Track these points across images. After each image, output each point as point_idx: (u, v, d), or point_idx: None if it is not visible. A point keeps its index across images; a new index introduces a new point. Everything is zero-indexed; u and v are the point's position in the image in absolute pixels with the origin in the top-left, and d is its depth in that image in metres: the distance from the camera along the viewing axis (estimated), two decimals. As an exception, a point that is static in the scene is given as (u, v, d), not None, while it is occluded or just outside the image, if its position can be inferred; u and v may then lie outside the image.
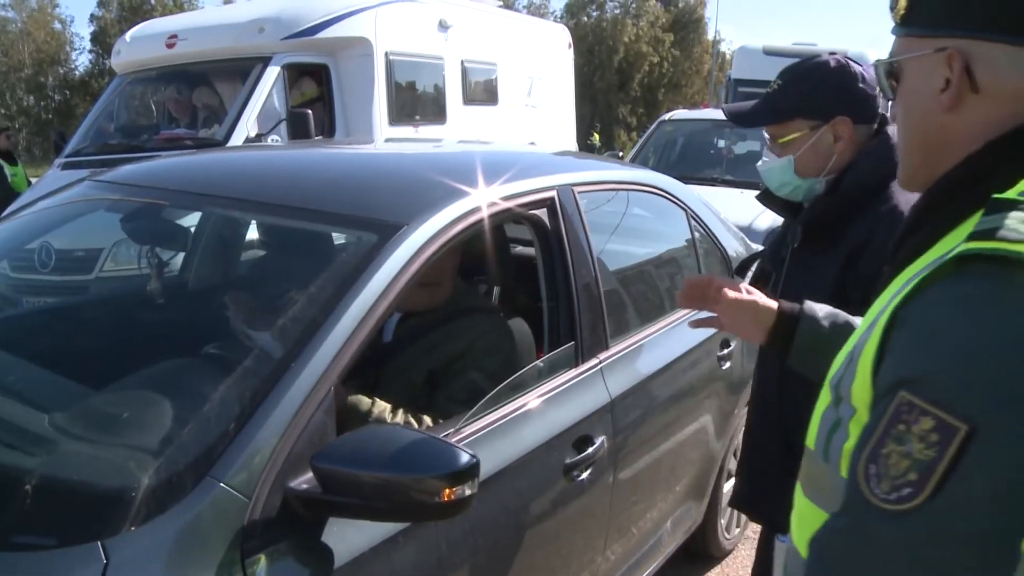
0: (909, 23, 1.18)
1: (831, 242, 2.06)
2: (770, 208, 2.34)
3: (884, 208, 2.01)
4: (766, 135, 2.22)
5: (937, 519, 0.87)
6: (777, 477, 2.15)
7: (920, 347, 0.95)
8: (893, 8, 1.20)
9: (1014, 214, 0.95)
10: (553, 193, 2.60)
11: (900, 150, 1.25)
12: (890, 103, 1.30)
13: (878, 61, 1.27)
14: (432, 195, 2.27)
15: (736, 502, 2.51)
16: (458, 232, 2.20)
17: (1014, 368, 0.88)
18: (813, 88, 2.09)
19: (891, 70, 1.22)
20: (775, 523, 2.21)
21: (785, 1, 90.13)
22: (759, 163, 2.27)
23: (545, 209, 2.56)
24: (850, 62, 2.13)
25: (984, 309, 0.92)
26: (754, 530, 4.26)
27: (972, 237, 0.96)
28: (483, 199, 2.32)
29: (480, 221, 2.29)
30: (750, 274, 2.52)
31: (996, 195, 1.00)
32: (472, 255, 2.78)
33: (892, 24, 1.22)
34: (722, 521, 3.83)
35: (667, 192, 3.49)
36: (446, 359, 2.49)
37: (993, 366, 0.89)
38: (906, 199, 1.95)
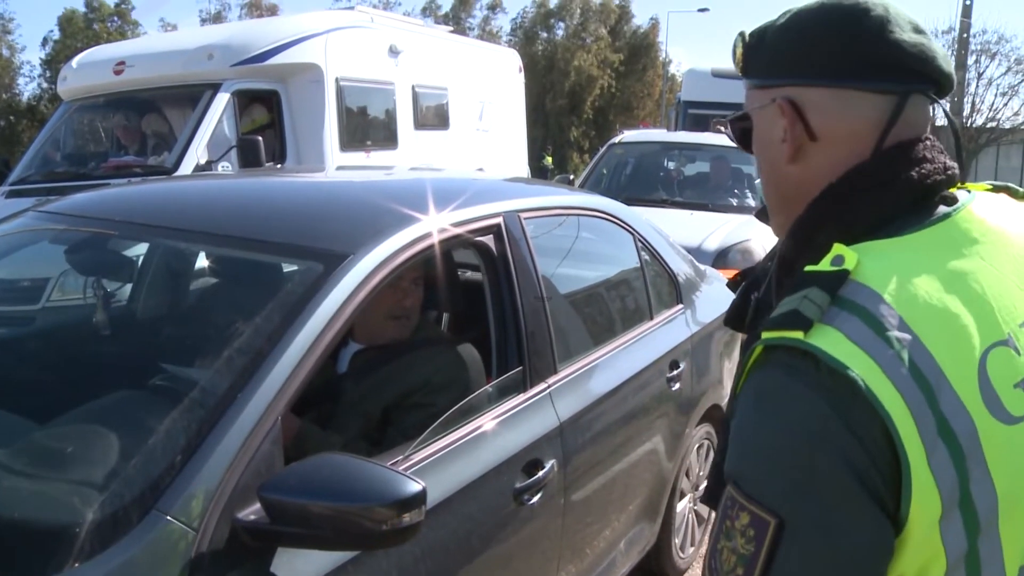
0: (748, 74, 1.18)
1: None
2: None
3: None
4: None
5: None
6: None
7: (735, 441, 0.99)
8: (733, 58, 1.20)
9: (813, 292, 0.96)
10: (499, 219, 2.63)
11: (765, 199, 1.25)
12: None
13: (728, 116, 1.26)
14: (378, 223, 2.29)
15: (705, 498, 2.60)
16: (405, 260, 2.22)
17: (801, 458, 0.91)
18: None
19: (743, 122, 1.21)
20: None
21: (733, 25, 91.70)
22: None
23: (492, 235, 2.59)
24: None
25: (773, 402, 0.95)
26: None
27: (768, 325, 0.98)
28: (430, 227, 2.35)
29: (427, 249, 2.32)
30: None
31: (808, 268, 1.01)
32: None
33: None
34: (676, 540, 3.86)
35: (614, 216, 3.54)
36: (402, 393, 2.51)
37: (785, 459, 0.92)
38: None
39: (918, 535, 0.92)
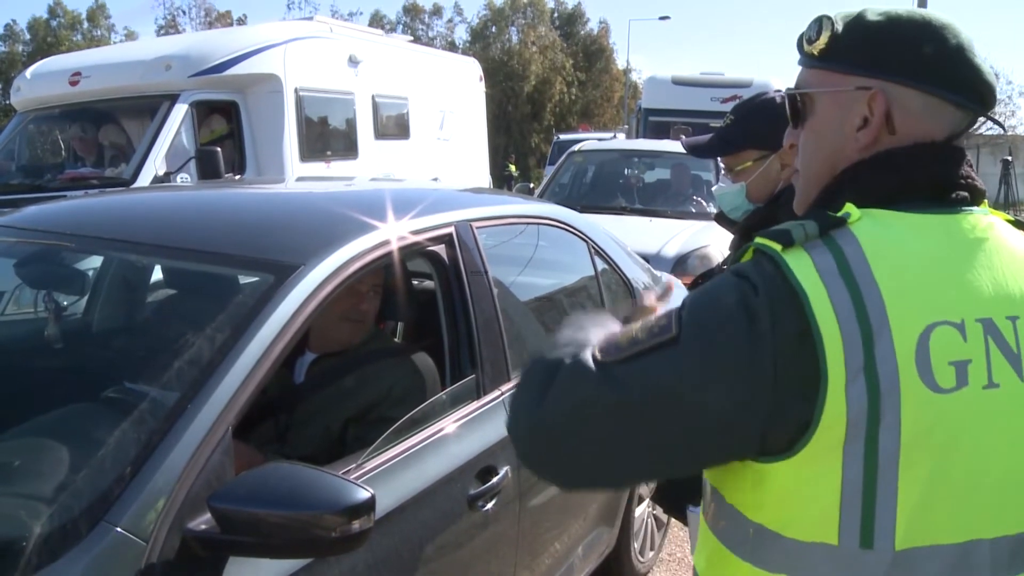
0: (829, 59, 1.24)
1: None
2: (725, 228, 2.55)
3: None
4: (721, 164, 2.45)
5: (609, 377, 1.13)
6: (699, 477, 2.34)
7: (706, 284, 1.20)
8: (811, 42, 1.26)
9: (809, 223, 1.14)
10: (451, 229, 2.66)
11: (800, 176, 1.33)
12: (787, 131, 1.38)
13: (788, 89, 1.34)
14: (329, 234, 2.31)
15: (656, 497, 2.69)
16: (356, 270, 2.24)
17: (720, 314, 1.11)
18: (761, 122, 2.28)
19: (801, 100, 1.29)
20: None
21: (694, 33, 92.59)
22: (715, 187, 2.51)
23: (444, 244, 2.62)
24: None
25: (733, 278, 1.14)
26: (668, 552, 4.36)
27: (762, 233, 1.18)
28: (381, 237, 2.38)
29: (378, 259, 2.34)
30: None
31: (818, 209, 1.20)
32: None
33: (801, 56, 1.29)
34: (635, 545, 3.90)
35: (567, 224, 3.58)
36: (363, 406, 2.52)
37: (714, 310, 1.13)
38: None
39: (818, 451, 1.07)
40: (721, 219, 2.55)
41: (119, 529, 1.60)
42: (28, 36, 43.25)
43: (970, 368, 1.09)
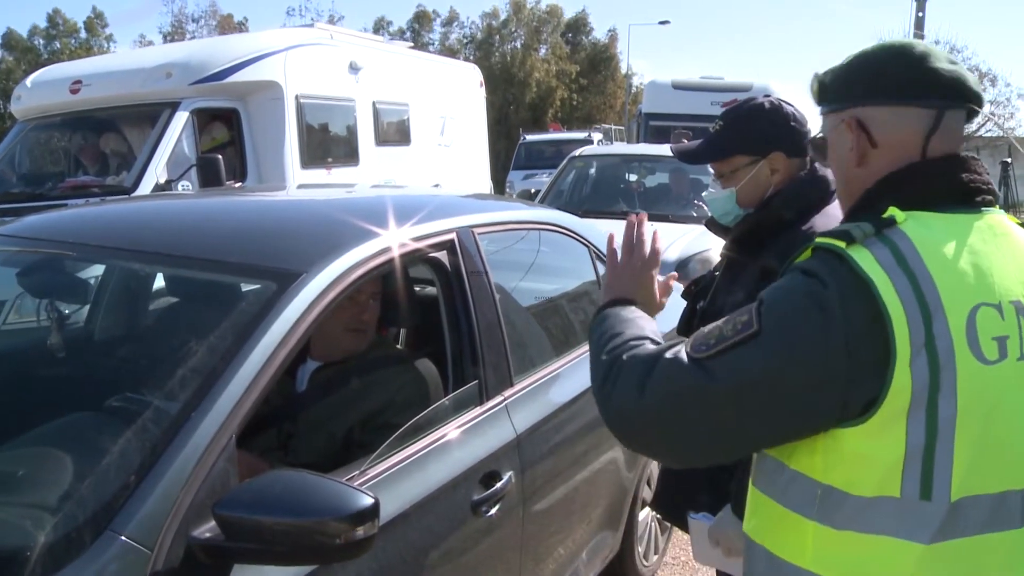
0: (823, 102, 1.52)
1: (753, 255, 2.28)
2: (716, 234, 2.56)
3: (804, 228, 2.22)
4: (711, 170, 2.44)
5: (704, 371, 1.30)
6: (696, 483, 2.33)
7: (769, 288, 1.37)
8: (812, 91, 1.54)
9: (864, 224, 1.32)
10: (453, 235, 2.67)
11: (838, 197, 1.58)
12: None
13: (812, 138, 1.65)
14: (331, 242, 2.32)
15: (657, 508, 2.69)
16: (358, 277, 2.25)
17: (797, 307, 1.28)
18: (750, 127, 2.31)
19: (820, 142, 1.57)
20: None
21: (694, 36, 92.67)
22: (704, 193, 2.49)
23: (446, 251, 2.63)
24: (783, 103, 2.37)
25: (801, 274, 1.33)
26: (672, 556, 4.35)
27: (822, 233, 1.37)
28: (383, 244, 2.38)
29: (380, 266, 2.35)
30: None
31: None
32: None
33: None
34: (639, 549, 3.90)
35: (568, 229, 3.59)
36: (367, 413, 2.52)
37: (789, 302, 1.30)
38: (823, 223, 2.20)
39: (885, 418, 1.24)
40: (712, 225, 2.55)
41: (124, 538, 1.61)
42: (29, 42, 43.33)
43: (1008, 343, 1.29)
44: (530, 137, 25.11)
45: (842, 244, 1.30)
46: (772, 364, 1.26)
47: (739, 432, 1.32)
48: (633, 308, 1.62)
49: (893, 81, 1.42)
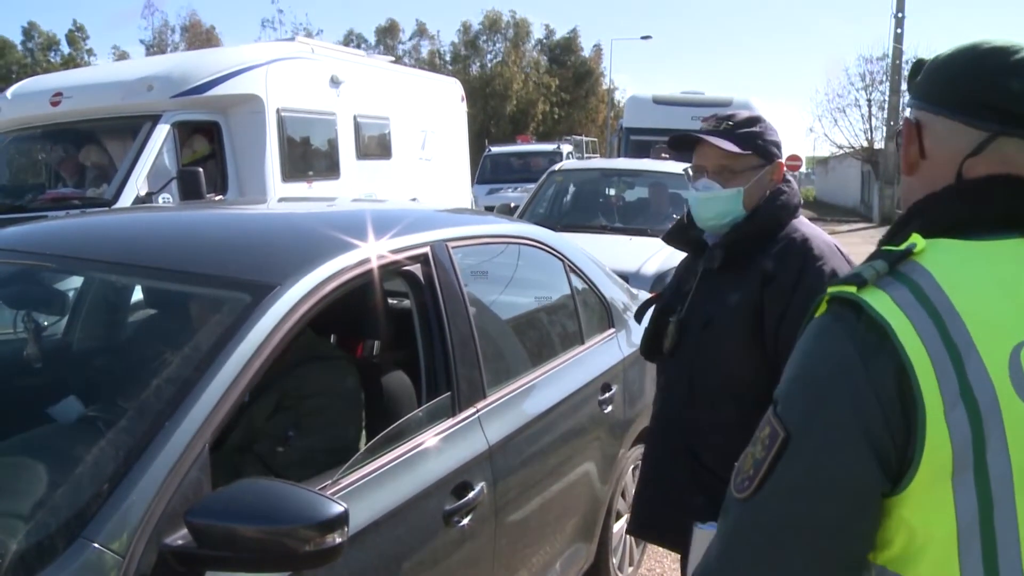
0: (910, 95, 1.36)
1: (746, 262, 2.34)
2: (676, 247, 2.60)
3: (796, 236, 2.33)
4: (690, 171, 2.49)
5: (758, 506, 1.13)
6: (686, 494, 2.35)
7: (785, 371, 1.20)
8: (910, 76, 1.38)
9: (878, 262, 1.16)
10: (427, 249, 2.71)
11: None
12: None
13: (896, 128, 1.48)
14: (305, 255, 2.36)
15: (637, 529, 2.68)
16: (332, 289, 2.29)
17: (818, 389, 1.13)
18: (761, 132, 2.40)
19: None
20: (679, 542, 2.39)
21: (676, 52, 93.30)
22: (697, 193, 2.44)
23: (419, 264, 2.67)
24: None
25: (813, 341, 1.17)
26: (648, 568, 4.39)
27: (833, 281, 1.19)
28: (357, 257, 2.42)
29: (354, 278, 2.39)
30: (647, 317, 2.72)
31: (884, 247, 1.21)
32: (351, 310, 2.86)
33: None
34: (614, 560, 3.93)
35: (543, 243, 3.63)
36: (298, 412, 2.52)
37: (807, 387, 1.14)
38: (808, 230, 2.34)
39: (926, 484, 1.06)
40: (676, 238, 2.61)
41: (96, 545, 1.63)
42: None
43: None
44: (495, 149, 23.59)
45: (852, 289, 1.13)
46: (816, 464, 1.10)
47: (823, 547, 1.12)
48: None
49: (948, 90, 1.26)
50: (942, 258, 1.14)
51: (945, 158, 1.25)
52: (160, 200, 7.40)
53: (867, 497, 1.09)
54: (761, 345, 2.29)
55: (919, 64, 1.35)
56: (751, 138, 2.39)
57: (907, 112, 1.36)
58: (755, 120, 2.43)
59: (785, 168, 2.48)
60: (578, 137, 29.74)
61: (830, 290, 1.17)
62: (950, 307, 1.08)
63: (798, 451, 1.11)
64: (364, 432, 2.56)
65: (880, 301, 1.10)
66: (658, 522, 2.59)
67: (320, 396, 2.53)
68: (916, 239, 1.16)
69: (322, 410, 2.48)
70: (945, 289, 1.10)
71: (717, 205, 2.40)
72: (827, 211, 35.34)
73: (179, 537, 1.73)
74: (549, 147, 24.04)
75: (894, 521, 1.10)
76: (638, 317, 2.76)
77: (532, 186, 15.01)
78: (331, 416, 2.50)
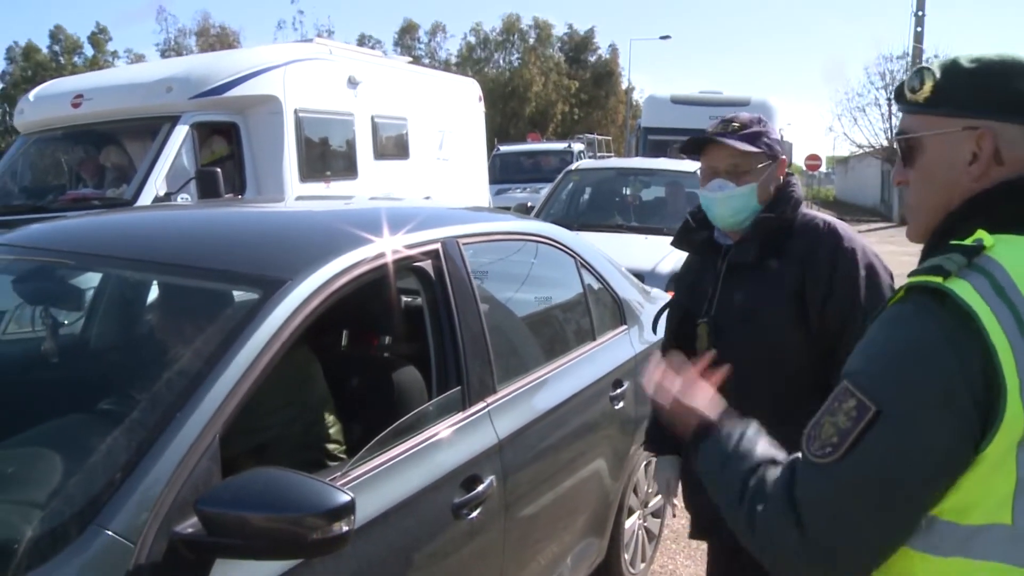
0: (934, 104, 1.41)
1: (775, 253, 2.43)
2: (685, 250, 2.66)
3: (815, 222, 2.46)
4: (698, 171, 2.59)
5: (842, 474, 1.25)
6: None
7: (861, 350, 1.32)
8: (915, 91, 1.43)
9: (955, 256, 1.27)
10: (438, 245, 2.74)
11: (914, 211, 1.49)
12: (894, 169, 1.55)
13: (896, 135, 1.50)
14: (316, 251, 2.39)
15: (698, 534, 2.75)
16: (343, 285, 2.32)
17: (909, 368, 1.24)
18: (764, 132, 2.50)
19: (908, 144, 1.46)
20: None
21: (694, 52, 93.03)
22: (708, 191, 2.51)
23: (430, 260, 2.70)
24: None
25: (900, 325, 1.28)
26: (660, 564, 4.40)
27: (914, 273, 1.30)
28: (367, 253, 2.45)
29: (365, 274, 2.42)
30: (662, 322, 2.75)
31: (954, 241, 1.31)
32: (363, 305, 2.89)
33: (903, 104, 1.47)
34: (626, 556, 3.94)
35: (555, 240, 3.66)
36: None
37: (897, 366, 1.25)
38: (821, 215, 2.50)
39: (999, 452, 1.21)
40: (685, 241, 2.65)
41: (109, 532, 1.67)
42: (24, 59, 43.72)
43: None
44: (504, 148, 22.96)
45: (939, 279, 1.24)
46: (907, 435, 1.22)
47: (903, 511, 1.26)
48: (713, 432, 1.53)
49: None
50: (1010, 252, 1.27)
51: (1021, 160, 1.35)
52: (179, 200, 7.47)
53: (950, 465, 1.23)
54: (806, 327, 2.38)
55: (941, 82, 1.40)
56: (758, 137, 2.47)
57: (936, 124, 1.41)
58: (757, 120, 2.52)
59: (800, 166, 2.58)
60: (590, 136, 29.32)
61: (913, 280, 1.28)
62: (1022, 297, 1.22)
63: (891, 424, 1.23)
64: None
65: (965, 290, 1.22)
66: (716, 526, 2.60)
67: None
68: (983, 235, 1.28)
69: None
70: (1017, 281, 1.24)
71: (734, 202, 2.47)
72: (847, 210, 35.15)
73: (189, 525, 1.76)
74: (559, 146, 23.57)
75: (964, 482, 1.24)
76: (654, 327, 2.81)
77: (541, 186, 14.85)
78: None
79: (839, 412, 1.27)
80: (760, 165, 2.46)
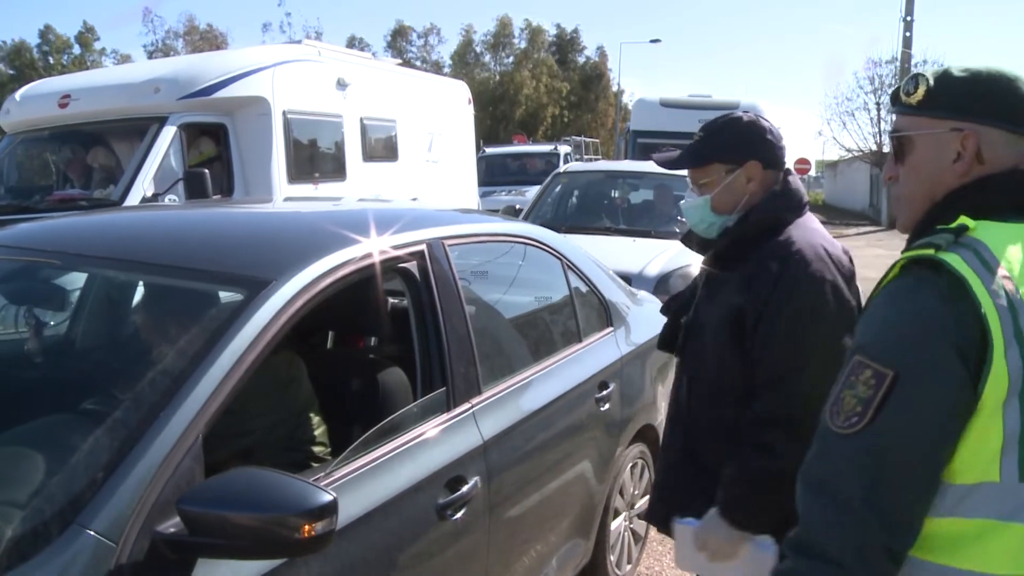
0: (926, 107, 1.57)
1: (733, 268, 2.36)
2: (690, 248, 2.63)
3: (784, 239, 2.31)
4: (688, 180, 2.52)
5: (873, 439, 1.35)
6: (689, 493, 2.41)
7: (867, 324, 1.46)
8: (909, 94, 1.59)
9: (943, 234, 1.41)
10: (423, 247, 2.74)
11: (903, 202, 1.63)
12: (884, 166, 1.70)
13: (890, 133, 1.66)
14: (300, 251, 2.39)
15: (652, 520, 2.76)
16: (327, 285, 2.32)
17: (917, 334, 1.36)
18: (729, 136, 2.41)
19: (899, 141, 1.61)
20: None
21: (684, 55, 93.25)
22: (682, 202, 2.58)
23: (415, 261, 2.70)
24: (760, 118, 2.47)
25: (902, 297, 1.41)
26: (647, 566, 4.40)
27: (907, 249, 1.47)
28: (352, 254, 2.46)
29: (350, 275, 2.42)
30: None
31: (939, 226, 1.46)
32: (349, 306, 2.89)
33: (898, 105, 1.62)
34: (612, 557, 3.94)
35: (541, 242, 3.66)
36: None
37: (906, 334, 1.38)
38: (800, 234, 2.31)
39: (987, 411, 1.33)
40: (688, 240, 2.63)
41: (90, 531, 1.67)
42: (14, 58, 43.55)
43: None
44: (490, 150, 22.54)
45: (932, 252, 1.39)
46: (928, 393, 1.34)
47: (935, 464, 1.36)
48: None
49: (1013, 109, 1.52)
50: (991, 234, 1.42)
51: (1000, 161, 1.51)
52: (166, 201, 7.44)
53: (965, 416, 1.34)
54: (744, 350, 2.27)
55: (934, 88, 1.55)
56: (711, 147, 2.41)
57: (927, 126, 1.56)
58: (725, 126, 2.42)
59: (793, 168, 2.51)
60: (577, 138, 29.18)
61: (908, 255, 1.43)
62: (1006, 271, 1.37)
63: (908, 385, 1.34)
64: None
65: (956, 261, 1.37)
66: (666, 520, 2.62)
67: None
68: (965, 220, 1.43)
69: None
70: (998, 256, 1.38)
71: (693, 213, 2.47)
72: (836, 215, 35.19)
73: (172, 525, 1.76)
74: (546, 148, 23.35)
75: (963, 436, 1.35)
76: (664, 311, 2.81)
77: (527, 188, 14.78)
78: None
79: (857, 384, 1.38)
80: (716, 176, 2.39)
